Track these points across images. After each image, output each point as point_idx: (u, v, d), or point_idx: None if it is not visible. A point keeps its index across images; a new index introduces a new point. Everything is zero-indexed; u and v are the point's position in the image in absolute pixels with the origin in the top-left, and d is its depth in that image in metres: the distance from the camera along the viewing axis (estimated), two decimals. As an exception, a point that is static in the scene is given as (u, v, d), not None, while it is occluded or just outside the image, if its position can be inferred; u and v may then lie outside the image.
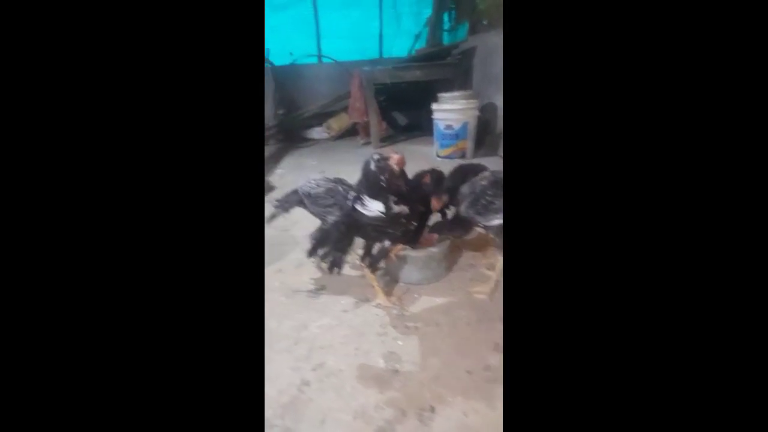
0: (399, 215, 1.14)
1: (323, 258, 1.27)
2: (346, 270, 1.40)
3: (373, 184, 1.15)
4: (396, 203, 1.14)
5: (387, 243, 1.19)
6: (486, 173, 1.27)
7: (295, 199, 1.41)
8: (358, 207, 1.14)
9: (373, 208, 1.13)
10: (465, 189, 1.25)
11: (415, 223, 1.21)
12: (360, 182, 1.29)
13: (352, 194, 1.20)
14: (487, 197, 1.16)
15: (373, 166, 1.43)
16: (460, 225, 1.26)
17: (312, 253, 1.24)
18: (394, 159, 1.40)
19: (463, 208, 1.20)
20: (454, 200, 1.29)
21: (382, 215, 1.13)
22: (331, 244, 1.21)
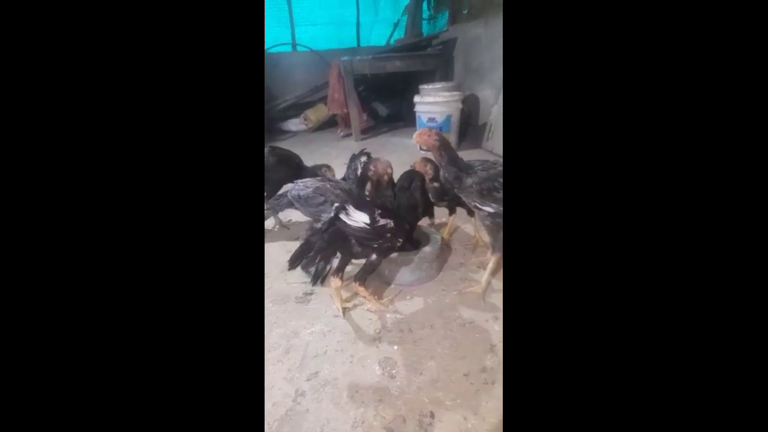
0: (384, 228, 1.12)
1: (305, 268, 1.25)
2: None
3: (359, 195, 1.14)
4: (381, 216, 1.11)
5: (374, 257, 1.17)
6: (500, 162, 1.24)
7: (285, 202, 1.45)
8: (343, 217, 1.10)
9: (358, 219, 1.10)
10: (477, 163, 1.23)
11: (401, 240, 1.19)
12: (348, 191, 1.26)
13: (335, 204, 1.16)
14: (497, 183, 1.16)
15: (359, 172, 1.42)
16: (453, 171, 1.21)
17: (293, 264, 1.19)
18: (380, 165, 1.39)
19: (469, 180, 1.17)
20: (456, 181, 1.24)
21: (367, 227, 1.10)
22: (314, 255, 1.17)
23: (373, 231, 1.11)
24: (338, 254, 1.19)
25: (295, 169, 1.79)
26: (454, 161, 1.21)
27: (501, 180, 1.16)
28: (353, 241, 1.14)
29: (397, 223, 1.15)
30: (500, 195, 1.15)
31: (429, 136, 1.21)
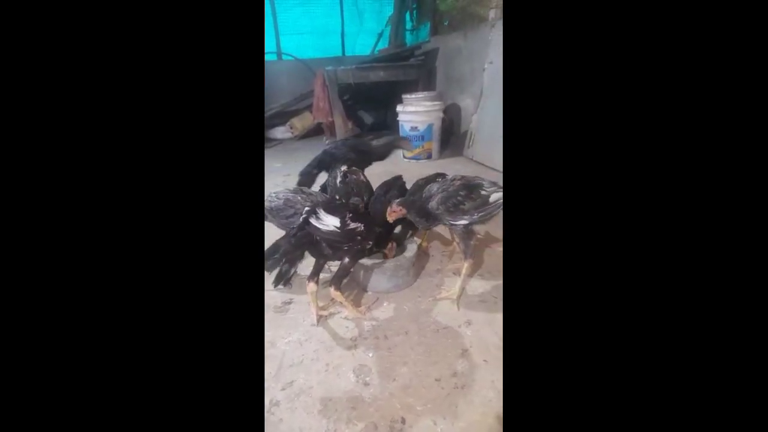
0: (354, 231, 1.14)
1: (270, 270, 1.27)
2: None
3: (330, 199, 1.17)
4: (352, 219, 1.14)
5: (346, 260, 1.19)
6: (458, 177, 1.31)
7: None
8: (313, 221, 1.13)
9: (329, 222, 1.12)
10: (435, 187, 1.28)
11: (371, 242, 1.22)
12: (321, 194, 1.29)
13: (306, 208, 1.19)
14: (459, 197, 1.21)
15: (339, 182, 1.45)
16: (424, 217, 1.28)
17: None
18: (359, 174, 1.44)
19: (434, 204, 1.23)
20: (417, 204, 1.30)
21: (337, 230, 1.13)
22: (279, 257, 1.19)
23: (343, 234, 1.13)
24: (304, 258, 1.22)
25: (367, 154, 1.79)
26: (416, 207, 1.28)
27: (463, 193, 1.22)
28: (324, 244, 1.16)
29: (367, 227, 1.18)
30: (466, 206, 1.20)
31: (397, 211, 1.27)
